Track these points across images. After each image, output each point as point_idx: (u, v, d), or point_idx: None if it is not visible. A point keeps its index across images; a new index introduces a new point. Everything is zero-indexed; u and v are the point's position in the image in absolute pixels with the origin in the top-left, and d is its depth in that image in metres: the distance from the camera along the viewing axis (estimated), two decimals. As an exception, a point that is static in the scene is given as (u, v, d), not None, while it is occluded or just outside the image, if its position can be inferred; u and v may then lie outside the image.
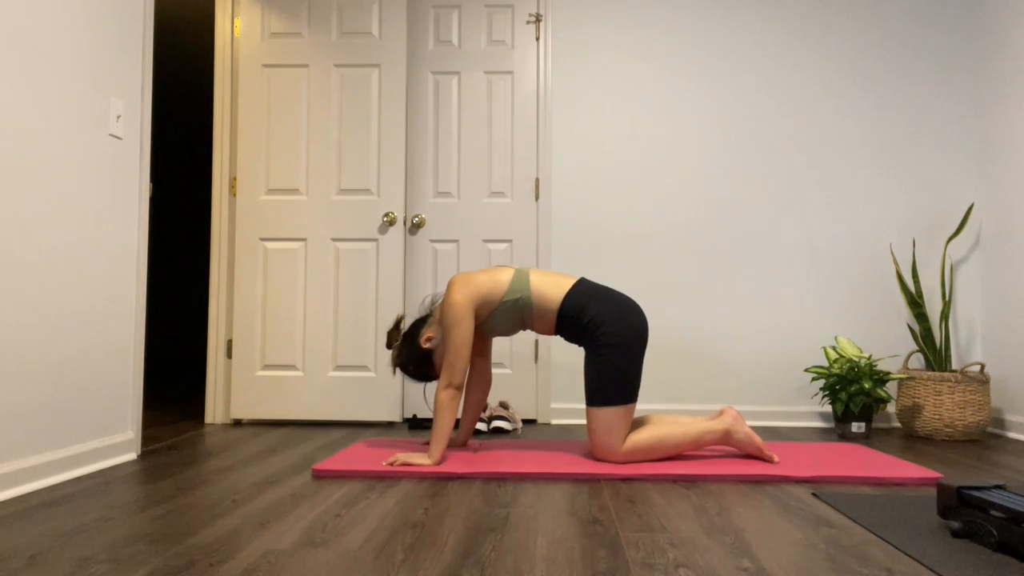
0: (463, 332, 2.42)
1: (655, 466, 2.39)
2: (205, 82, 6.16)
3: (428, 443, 2.72)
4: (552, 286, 2.52)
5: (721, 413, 2.59)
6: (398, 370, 2.61)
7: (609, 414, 2.42)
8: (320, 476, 2.31)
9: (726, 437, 2.52)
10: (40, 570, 1.42)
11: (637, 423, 2.55)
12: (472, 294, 2.47)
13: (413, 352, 2.57)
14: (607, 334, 2.44)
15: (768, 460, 2.48)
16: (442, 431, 2.39)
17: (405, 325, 2.66)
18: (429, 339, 2.54)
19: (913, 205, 3.64)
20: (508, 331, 2.59)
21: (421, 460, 2.37)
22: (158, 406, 4.20)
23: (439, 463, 2.38)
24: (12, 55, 2.06)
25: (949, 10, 3.66)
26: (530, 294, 2.50)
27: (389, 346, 2.64)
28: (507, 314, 2.52)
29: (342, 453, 2.60)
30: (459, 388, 2.41)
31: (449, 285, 2.52)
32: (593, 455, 2.52)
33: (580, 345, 2.54)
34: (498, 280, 2.52)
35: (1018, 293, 3.31)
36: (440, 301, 2.57)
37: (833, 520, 1.83)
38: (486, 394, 2.78)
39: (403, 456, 2.38)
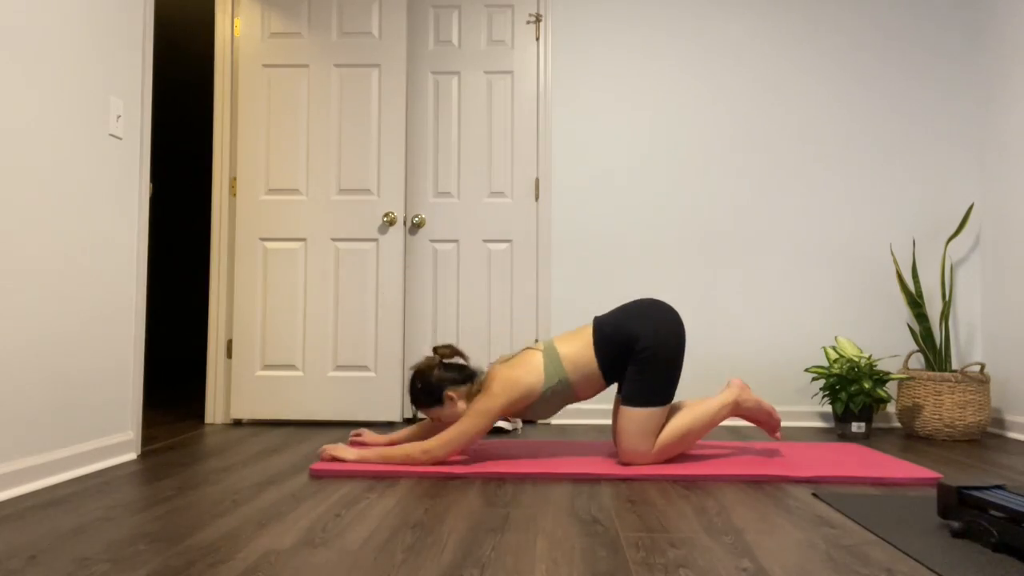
0: (479, 428, 2.37)
1: (655, 466, 2.39)
2: (205, 82, 6.16)
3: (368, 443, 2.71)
4: (581, 352, 2.45)
5: (728, 385, 2.60)
6: (409, 377, 2.61)
7: (646, 415, 2.39)
8: (317, 476, 2.31)
9: (736, 408, 2.53)
10: (40, 570, 1.42)
11: None
12: (511, 398, 2.39)
13: (434, 388, 2.51)
14: (646, 347, 2.40)
15: (774, 425, 2.54)
16: (390, 459, 2.37)
17: (458, 359, 2.64)
18: (451, 398, 2.49)
19: (913, 205, 3.64)
20: (552, 412, 2.52)
21: (346, 455, 2.41)
22: (158, 406, 4.20)
23: (360, 460, 2.40)
24: (11, 55, 2.06)
25: (950, 10, 3.66)
26: (567, 374, 2.44)
27: (435, 351, 2.59)
28: (551, 400, 2.47)
29: (342, 453, 2.59)
30: (438, 463, 2.38)
31: (490, 379, 2.43)
32: (621, 459, 2.45)
33: (628, 367, 2.47)
34: (534, 371, 2.44)
35: (1018, 293, 3.31)
36: (483, 380, 2.51)
37: (833, 520, 1.83)
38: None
39: (331, 448, 2.44)
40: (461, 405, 2.51)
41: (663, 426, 2.45)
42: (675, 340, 2.43)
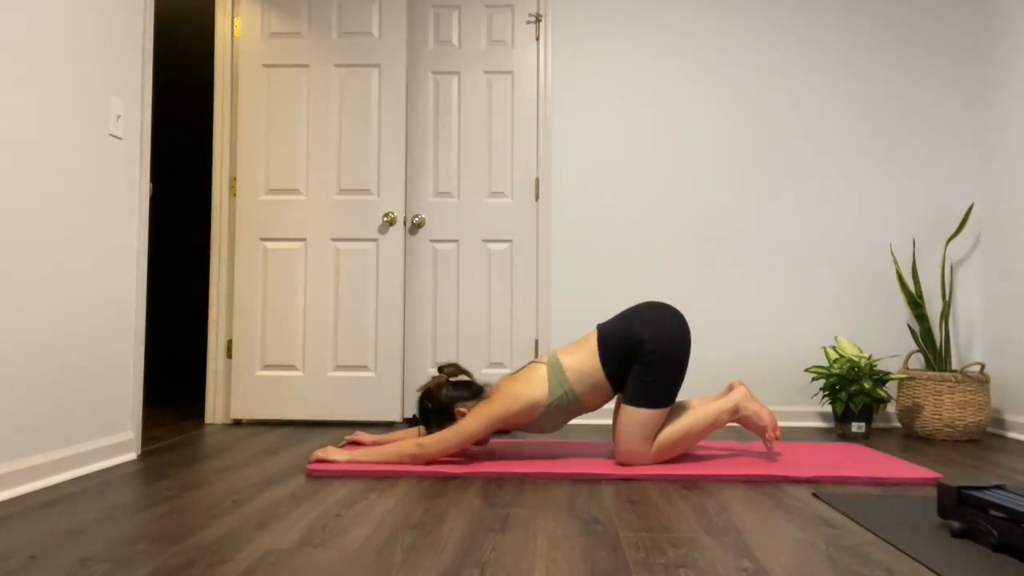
0: (470, 432, 2.37)
1: (655, 466, 2.39)
2: (205, 82, 6.15)
3: (352, 442, 2.72)
4: (585, 361, 2.44)
5: (731, 388, 2.57)
6: (418, 396, 2.60)
7: (647, 416, 2.38)
8: (315, 476, 2.31)
9: (734, 413, 2.51)
10: (40, 570, 1.42)
11: None
12: (510, 410, 2.40)
13: (443, 407, 2.51)
14: (653, 349, 2.38)
15: (768, 445, 2.49)
16: (383, 456, 2.38)
17: (463, 376, 2.64)
18: (462, 413, 2.49)
19: (913, 205, 3.64)
20: (559, 425, 2.52)
21: (337, 456, 2.40)
22: (158, 406, 4.20)
23: (351, 461, 2.40)
24: (11, 55, 2.06)
25: (951, 10, 3.66)
26: (571, 385, 2.43)
27: (440, 371, 2.60)
28: (556, 412, 2.45)
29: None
30: (428, 462, 2.39)
31: (495, 390, 2.46)
32: (618, 459, 2.44)
33: (633, 367, 2.45)
34: (538, 384, 2.43)
35: (1018, 293, 3.31)
36: (489, 392, 2.52)
37: (833, 520, 1.83)
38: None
39: (320, 452, 2.42)
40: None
41: (662, 428, 2.45)
42: (681, 342, 2.43)
